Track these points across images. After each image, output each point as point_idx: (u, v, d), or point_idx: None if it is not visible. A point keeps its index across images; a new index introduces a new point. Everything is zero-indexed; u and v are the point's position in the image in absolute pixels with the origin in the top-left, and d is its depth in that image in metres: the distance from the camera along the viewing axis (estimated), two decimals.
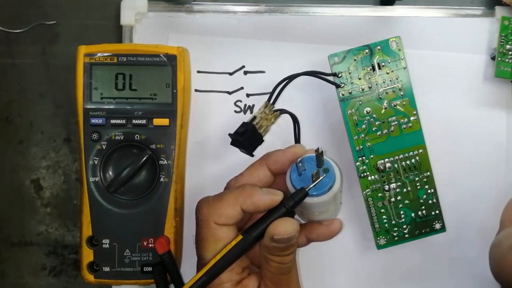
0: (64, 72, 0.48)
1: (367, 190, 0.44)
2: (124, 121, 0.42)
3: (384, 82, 0.43)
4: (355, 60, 0.43)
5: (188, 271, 0.45)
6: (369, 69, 0.43)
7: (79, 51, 0.42)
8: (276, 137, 0.46)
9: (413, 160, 0.44)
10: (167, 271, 0.41)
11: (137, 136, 0.42)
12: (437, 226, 0.44)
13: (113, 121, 0.42)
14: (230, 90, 0.47)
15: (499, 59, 0.46)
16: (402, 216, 0.44)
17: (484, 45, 0.47)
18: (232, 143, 0.42)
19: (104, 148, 0.42)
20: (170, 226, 0.42)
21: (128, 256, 0.42)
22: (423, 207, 0.44)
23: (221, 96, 0.47)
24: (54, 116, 0.48)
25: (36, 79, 0.48)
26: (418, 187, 0.44)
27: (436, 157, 0.44)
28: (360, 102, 0.43)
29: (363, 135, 0.43)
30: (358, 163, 0.43)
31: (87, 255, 0.42)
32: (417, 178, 0.44)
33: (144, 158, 0.42)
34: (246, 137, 0.42)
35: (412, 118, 0.43)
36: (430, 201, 0.44)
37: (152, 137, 0.42)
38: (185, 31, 0.47)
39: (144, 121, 0.42)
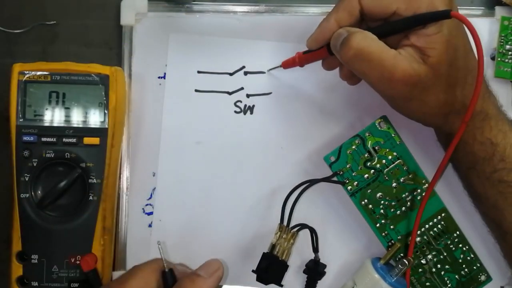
0: None
1: None
2: (55, 139, 0.42)
3: (385, 164, 0.43)
4: (350, 153, 0.42)
5: None
6: (366, 156, 0.42)
7: (13, 69, 0.42)
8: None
9: (439, 226, 0.43)
10: None
11: (67, 154, 0.42)
12: (482, 278, 0.44)
13: (44, 139, 0.42)
14: (230, 91, 0.47)
15: (499, 59, 0.46)
16: (448, 281, 0.43)
17: (483, 45, 0.46)
18: (258, 280, 0.41)
19: (35, 165, 0.42)
20: (97, 244, 0.42)
21: (56, 272, 0.42)
22: (464, 266, 0.43)
23: (221, 96, 0.47)
24: None
25: None
26: (453, 249, 0.43)
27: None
28: (369, 190, 0.42)
29: (383, 221, 0.43)
30: (389, 248, 0.43)
31: (17, 269, 0.42)
32: (449, 241, 0.43)
33: (74, 177, 0.42)
34: (271, 271, 0.41)
35: (424, 187, 0.43)
36: (468, 258, 0.43)
37: (83, 155, 0.42)
38: (185, 31, 0.47)
39: (74, 140, 0.42)
